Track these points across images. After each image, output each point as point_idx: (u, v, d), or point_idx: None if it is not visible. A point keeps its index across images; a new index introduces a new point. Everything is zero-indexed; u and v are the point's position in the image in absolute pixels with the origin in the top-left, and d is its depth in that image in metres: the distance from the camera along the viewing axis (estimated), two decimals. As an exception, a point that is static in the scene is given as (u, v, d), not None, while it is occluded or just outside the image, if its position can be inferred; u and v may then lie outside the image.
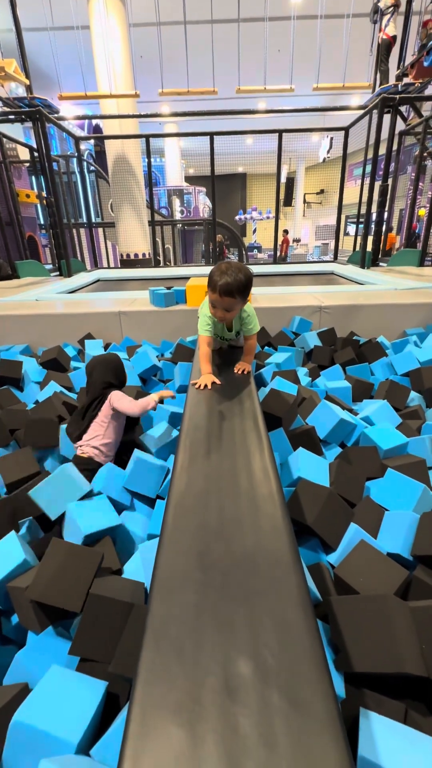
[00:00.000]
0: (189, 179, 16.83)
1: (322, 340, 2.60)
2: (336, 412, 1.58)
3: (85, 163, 7.43)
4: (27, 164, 6.95)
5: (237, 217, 17.27)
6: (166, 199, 13.18)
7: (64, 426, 1.63)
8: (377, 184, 4.93)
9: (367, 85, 5.75)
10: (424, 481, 1.30)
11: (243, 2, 6.16)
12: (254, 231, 19.51)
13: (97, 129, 10.06)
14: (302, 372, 2.23)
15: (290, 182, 17.68)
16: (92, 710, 0.68)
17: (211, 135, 5.63)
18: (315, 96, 6.98)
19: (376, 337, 2.72)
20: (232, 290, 1.38)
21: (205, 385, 1.42)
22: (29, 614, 0.87)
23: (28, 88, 5.27)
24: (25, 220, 6.43)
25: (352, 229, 11.06)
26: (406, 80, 5.04)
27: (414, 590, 0.93)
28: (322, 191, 20.85)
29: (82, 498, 1.21)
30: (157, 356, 2.54)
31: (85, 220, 6.87)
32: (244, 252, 11.92)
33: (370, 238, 5.25)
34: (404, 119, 5.50)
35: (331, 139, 12.31)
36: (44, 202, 5.58)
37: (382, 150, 5.03)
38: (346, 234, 12.63)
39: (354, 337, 2.72)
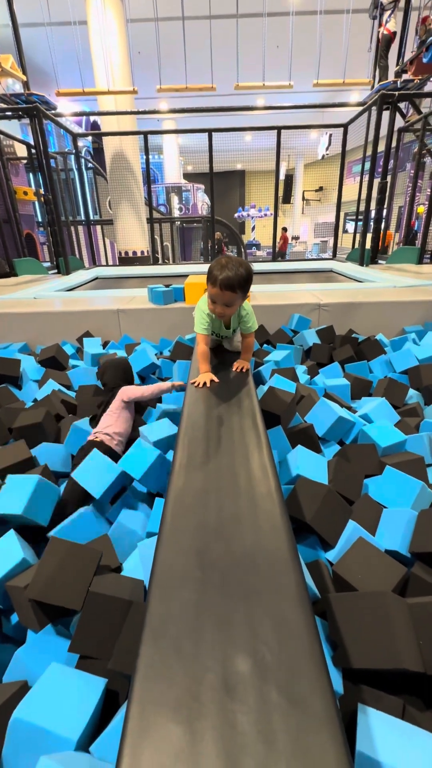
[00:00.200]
0: (187, 176, 16.76)
1: (320, 337, 2.60)
2: (334, 409, 1.59)
3: (82, 160, 7.40)
4: (24, 161, 6.91)
5: (237, 215, 17.22)
6: (165, 197, 13.13)
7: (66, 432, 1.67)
8: (376, 182, 4.92)
9: (367, 82, 5.73)
10: (422, 479, 1.31)
11: (241, -3, 6.13)
12: (253, 228, 19.46)
13: (94, 126, 10.01)
14: (301, 370, 2.23)
15: (289, 179, 17.63)
16: (92, 707, 0.68)
17: (210, 132, 5.60)
18: (314, 93, 6.97)
19: (374, 334, 2.72)
20: (233, 284, 1.35)
21: (204, 383, 1.42)
22: (28, 613, 0.87)
23: (25, 85, 5.24)
24: (23, 217, 6.39)
25: (351, 226, 11.06)
26: (405, 77, 5.03)
27: (412, 587, 0.93)
28: (320, 188, 20.81)
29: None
30: (155, 354, 2.54)
31: (83, 218, 6.84)
32: (242, 249, 11.89)
33: (369, 236, 5.25)
34: (403, 116, 5.49)
35: (330, 136, 12.28)
36: (42, 199, 5.55)
37: (381, 147, 5.02)
38: (345, 231, 12.63)
39: (353, 335, 2.72)
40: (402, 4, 5.25)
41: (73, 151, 6.51)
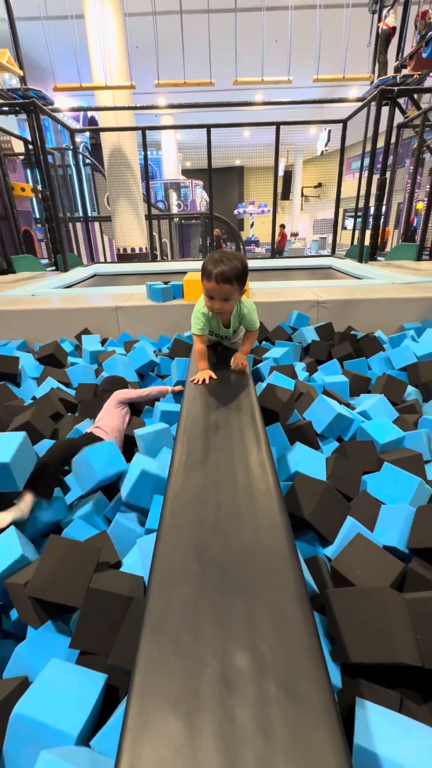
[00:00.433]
0: (186, 172, 16.68)
1: (319, 334, 2.60)
2: (333, 406, 1.59)
3: (80, 156, 7.36)
4: (22, 157, 6.86)
5: (236, 211, 17.15)
6: (163, 193, 13.06)
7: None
8: (375, 178, 4.91)
9: (367, 77, 5.70)
10: (420, 475, 1.31)
11: (240, -9, 6.07)
12: (252, 225, 19.39)
13: (92, 121, 9.94)
14: (300, 367, 2.24)
15: (288, 175, 17.54)
16: (92, 702, 0.69)
17: (208, 127, 5.57)
18: (313, 88, 6.92)
19: (373, 331, 2.72)
20: (229, 276, 1.32)
21: (203, 380, 1.41)
22: (28, 610, 0.87)
23: (22, 79, 5.19)
24: (21, 214, 6.35)
25: (350, 223, 11.03)
26: (404, 72, 5.00)
27: (409, 582, 0.94)
28: (319, 185, 20.73)
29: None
30: (154, 351, 2.54)
31: (81, 214, 6.81)
32: (241, 246, 11.86)
33: (368, 232, 5.23)
34: (403, 111, 5.46)
35: (329, 131, 12.22)
36: (40, 195, 5.53)
37: (381, 143, 5.00)
38: (344, 228, 12.59)
39: (351, 332, 2.72)
40: (402, -2, 5.22)
41: (71, 147, 6.47)
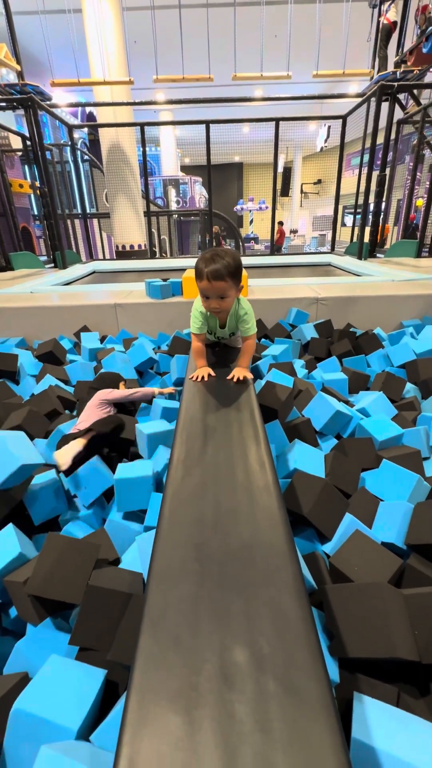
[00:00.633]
0: (185, 169, 16.60)
1: (318, 332, 2.60)
2: (332, 404, 1.59)
3: (78, 152, 7.31)
4: (19, 153, 6.82)
5: (236, 207, 17.07)
6: (162, 189, 13.00)
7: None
8: (375, 174, 4.89)
9: (368, 72, 5.66)
10: (418, 472, 1.32)
11: (239, -15, 6.03)
12: (251, 222, 19.32)
13: (90, 117, 9.87)
14: (299, 364, 2.24)
15: (287, 172, 17.44)
16: (92, 697, 0.69)
17: (207, 123, 5.54)
18: (312, 84, 6.88)
19: (372, 328, 2.72)
20: (221, 273, 1.29)
21: (202, 377, 1.41)
22: (27, 607, 0.88)
23: (19, 75, 5.15)
24: (19, 210, 6.32)
25: (349, 219, 10.99)
26: (404, 67, 4.97)
27: (407, 578, 0.94)
28: (319, 181, 20.64)
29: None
30: (153, 349, 2.53)
31: (79, 211, 6.77)
32: (240, 243, 11.82)
33: (368, 229, 5.22)
34: (402, 107, 5.44)
35: (329, 127, 12.15)
36: (38, 192, 5.50)
37: (380, 139, 4.98)
38: (344, 225, 12.55)
39: (351, 329, 2.72)
40: (402, -8, 5.18)
41: (69, 142, 6.42)
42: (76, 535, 1.16)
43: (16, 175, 6.91)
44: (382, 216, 5.54)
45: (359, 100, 5.35)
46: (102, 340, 2.77)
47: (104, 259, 8.17)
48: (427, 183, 7.17)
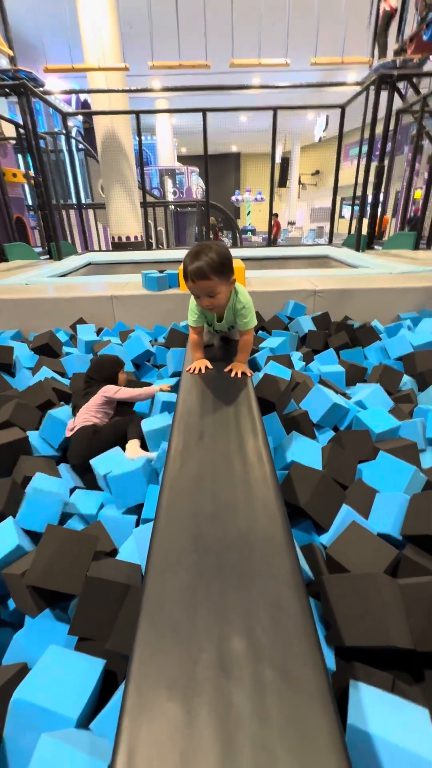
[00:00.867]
0: (181, 159, 16.36)
1: (316, 324, 2.59)
2: (329, 396, 1.59)
3: (73, 141, 7.17)
4: (13, 142, 6.69)
5: (234, 198, 16.89)
6: (158, 180, 12.83)
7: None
8: (373, 165, 4.84)
9: (367, 60, 5.57)
10: (414, 464, 1.32)
11: (236, -31, 5.88)
12: (248, 213, 19.14)
13: (85, 105, 9.69)
14: (296, 356, 2.23)
15: (285, 162, 17.23)
16: (91, 686, 0.70)
17: (204, 111, 5.45)
18: (311, 71, 6.77)
19: (370, 321, 2.72)
20: (205, 272, 1.22)
21: (199, 369, 1.41)
22: (26, 599, 0.88)
23: (12, 60, 5.03)
24: (13, 200, 6.22)
25: (347, 211, 10.92)
26: (404, 55, 4.89)
27: (403, 568, 0.95)
28: (317, 172, 20.45)
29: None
30: (150, 341, 2.52)
31: (74, 201, 6.67)
32: (237, 235, 11.72)
33: (366, 221, 5.19)
34: (402, 97, 5.36)
35: (327, 117, 12.00)
36: (32, 181, 5.41)
37: (379, 129, 4.92)
38: (342, 216, 12.47)
39: (348, 322, 2.72)
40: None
41: (63, 131, 6.31)
42: (75, 528, 1.16)
43: (9, 164, 6.79)
44: (380, 207, 5.50)
45: (358, 88, 5.27)
46: (98, 332, 2.75)
47: (100, 250, 8.09)
48: (426, 174, 7.11)
